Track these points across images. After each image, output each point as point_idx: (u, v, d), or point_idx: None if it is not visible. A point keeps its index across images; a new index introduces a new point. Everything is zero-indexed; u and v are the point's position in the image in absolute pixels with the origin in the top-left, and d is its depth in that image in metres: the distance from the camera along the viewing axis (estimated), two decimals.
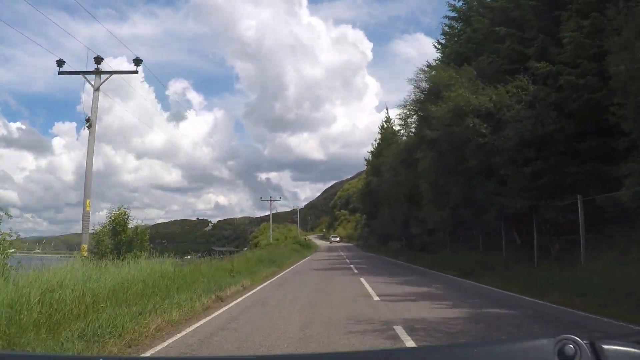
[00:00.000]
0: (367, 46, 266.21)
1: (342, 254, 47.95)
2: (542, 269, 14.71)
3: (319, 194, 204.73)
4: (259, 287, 15.22)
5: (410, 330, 7.35)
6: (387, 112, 58.55)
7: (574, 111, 15.26)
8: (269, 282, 17.32)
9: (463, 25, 25.15)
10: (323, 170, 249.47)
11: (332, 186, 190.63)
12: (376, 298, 11.81)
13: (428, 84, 22.35)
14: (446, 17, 26.92)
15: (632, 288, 9.17)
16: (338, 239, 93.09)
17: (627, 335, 1.33)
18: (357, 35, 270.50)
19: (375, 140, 62.61)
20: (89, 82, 16.68)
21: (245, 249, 69.54)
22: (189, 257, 21.09)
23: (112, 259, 11.68)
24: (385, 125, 60.47)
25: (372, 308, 10.19)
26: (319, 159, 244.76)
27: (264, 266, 21.10)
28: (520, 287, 12.69)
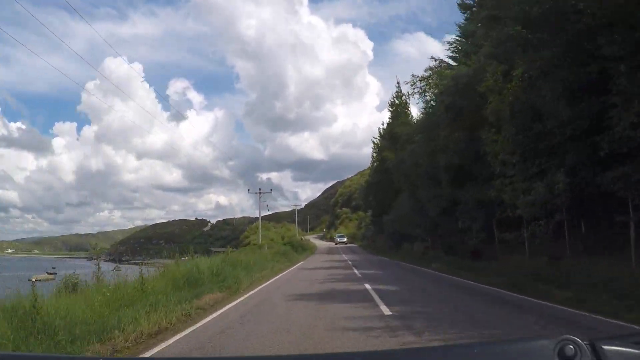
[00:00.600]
0: (367, 45, 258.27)
1: (345, 257, 36.58)
2: None
3: (319, 194, 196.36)
4: None
5: None
6: (399, 87, 47.88)
7: None
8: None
9: None
10: (324, 170, 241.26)
11: (332, 186, 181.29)
12: None
13: None
14: None
15: None
16: (345, 239, 75.60)
17: (627, 335, 1.30)
18: (357, 35, 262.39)
19: (382, 125, 51.38)
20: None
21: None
22: (186, 257, 17.98)
23: None
24: (397, 102, 49.17)
25: None
26: (319, 159, 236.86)
27: (188, 292, 9.74)
28: None
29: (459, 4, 26.30)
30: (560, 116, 11.57)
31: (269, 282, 16.58)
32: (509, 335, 6.53)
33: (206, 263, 13.31)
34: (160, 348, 6.11)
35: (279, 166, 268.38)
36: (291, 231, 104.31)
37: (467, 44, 24.78)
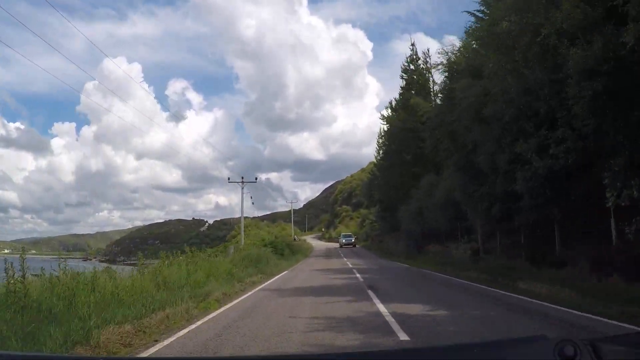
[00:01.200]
0: (367, 46, 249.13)
1: (349, 264, 25.79)
2: None
3: (319, 194, 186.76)
4: None
5: None
6: (414, 48, 37.40)
7: None
8: None
9: None
10: (323, 170, 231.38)
11: (332, 186, 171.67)
12: None
13: None
14: None
15: None
16: (353, 239, 58.34)
17: (626, 335, 1.37)
18: (357, 35, 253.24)
19: (393, 101, 40.61)
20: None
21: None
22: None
23: None
24: (412, 67, 38.44)
25: None
26: (319, 159, 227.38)
27: None
28: None
29: None
30: None
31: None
32: None
33: None
34: None
35: (278, 166, 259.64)
36: (286, 230, 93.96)
37: None
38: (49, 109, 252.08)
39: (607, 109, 9.18)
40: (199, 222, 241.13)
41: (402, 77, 38.70)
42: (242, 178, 42.95)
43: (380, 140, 48.90)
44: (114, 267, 13.42)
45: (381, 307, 8.84)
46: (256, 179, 42.98)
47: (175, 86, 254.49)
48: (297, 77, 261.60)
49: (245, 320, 7.87)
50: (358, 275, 17.53)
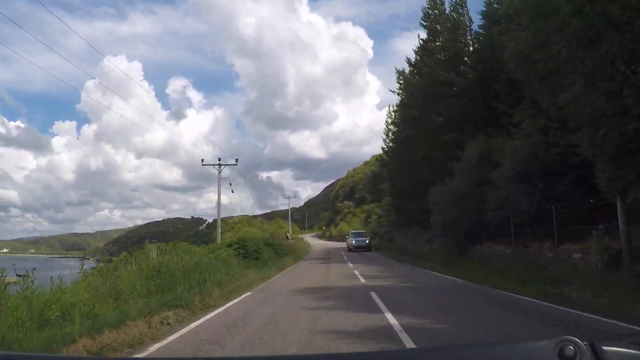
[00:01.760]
0: (367, 43, 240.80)
1: (355, 272, 16.26)
2: None
3: (319, 192, 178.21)
4: None
5: None
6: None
7: None
8: None
9: None
10: (324, 168, 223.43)
11: (333, 183, 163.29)
12: None
13: None
14: None
15: None
16: (367, 240, 41.12)
17: (626, 336, 1.31)
18: (357, 33, 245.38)
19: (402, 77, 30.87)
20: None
21: None
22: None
23: None
24: (436, 12, 28.83)
25: None
26: (320, 158, 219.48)
27: None
28: None
29: None
30: None
31: None
32: None
33: None
34: None
35: (279, 165, 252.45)
36: (284, 228, 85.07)
37: None
38: (49, 108, 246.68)
39: None
40: (198, 221, 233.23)
41: (422, 25, 29.09)
42: (219, 160, 33.50)
43: (393, 115, 39.40)
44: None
45: None
46: (236, 160, 33.51)
47: (176, 84, 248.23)
48: (297, 75, 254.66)
49: None
50: (386, 311, 7.96)
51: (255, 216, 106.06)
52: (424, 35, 29.03)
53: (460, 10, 25.71)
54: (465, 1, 25.63)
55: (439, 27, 28.51)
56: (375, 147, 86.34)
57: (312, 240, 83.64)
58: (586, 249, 10.74)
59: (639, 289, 8.40)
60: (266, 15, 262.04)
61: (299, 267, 21.92)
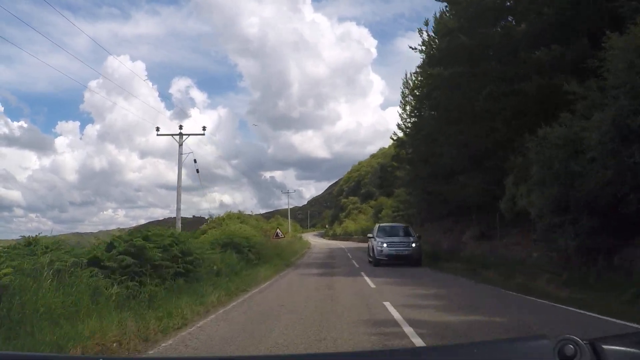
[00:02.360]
0: (371, 43, 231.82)
1: (393, 317, 6.27)
2: None
3: (322, 192, 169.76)
4: None
5: None
6: None
7: None
8: None
9: None
10: (328, 168, 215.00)
11: (336, 182, 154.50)
12: None
13: None
14: None
15: None
16: (415, 243, 19.42)
17: (627, 335, 1.25)
18: (361, 33, 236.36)
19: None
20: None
21: None
22: None
23: None
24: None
25: None
26: (323, 157, 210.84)
27: None
28: None
29: None
30: None
31: None
32: None
33: None
34: None
35: (282, 165, 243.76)
36: (283, 226, 75.39)
37: None
38: (53, 108, 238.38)
39: None
40: (199, 220, 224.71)
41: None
42: (181, 128, 24.02)
43: (414, 80, 29.97)
44: None
45: None
46: (204, 128, 23.98)
47: (179, 84, 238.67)
48: (300, 75, 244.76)
49: None
50: None
51: (251, 214, 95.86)
52: None
53: None
54: None
55: None
56: (379, 146, 79.15)
57: (314, 240, 74.08)
58: None
59: None
60: (270, 15, 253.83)
61: (274, 287, 12.32)
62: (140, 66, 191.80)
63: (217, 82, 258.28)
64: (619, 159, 7.77)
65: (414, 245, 19.14)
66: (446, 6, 19.61)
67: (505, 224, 15.12)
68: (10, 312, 4.53)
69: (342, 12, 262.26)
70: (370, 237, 21.78)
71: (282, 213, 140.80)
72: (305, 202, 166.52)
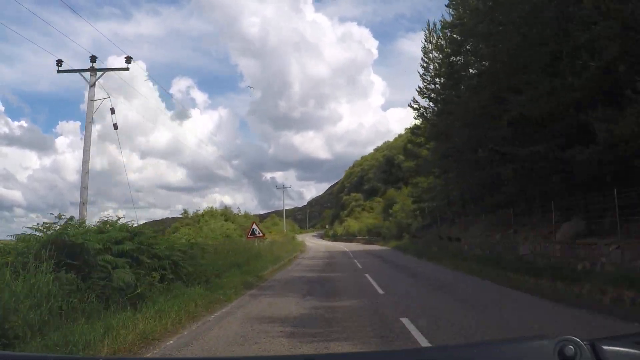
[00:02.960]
0: (372, 44, 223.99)
1: None
2: None
3: (323, 192, 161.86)
4: None
5: None
6: None
7: None
8: None
9: None
10: (329, 169, 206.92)
11: (337, 183, 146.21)
12: None
13: None
14: None
15: None
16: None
17: (627, 335, 1.22)
18: (362, 33, 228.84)
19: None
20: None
21: None
22: None
23: None
24: None
25: None
26: (324, 158, 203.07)
27: None
28: None
29: None
30: None
31: None
32: None
33: None
34: None
35: (283, 165, 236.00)
36: (279, 226, 67.10)
37: None
38: (53, 108, 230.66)
39: None
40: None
41: None
42: (93, 61, 14.97)
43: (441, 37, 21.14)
44: None
45: None
46: (129, 60, 14.88)
47: (180, 84, 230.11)
48: (302, 76, 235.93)
49: None
50: None
51: (239, 212, 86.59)
52: None
53: None
54: None
55: None
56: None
57: (312, 241, 64.95)
58: None
59: None
60: (271, 15, 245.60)
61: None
62: (141, 66, 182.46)
63: (218, 82, 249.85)
64: None
65: None
66: None
67: None
68: None
69: (343, 12, 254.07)
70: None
71: (281, 214, 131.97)
72: (306, 203, 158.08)
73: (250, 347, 5.09)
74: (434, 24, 25.85)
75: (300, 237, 74.71)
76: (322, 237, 79.94)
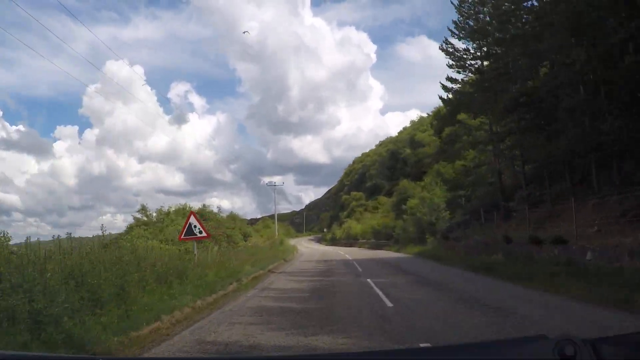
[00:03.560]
0: (371, 48, 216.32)
1: None
2: None
3: (321, 196, 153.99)
4: None
5: None
6: None
7: None
8: None
9: None
10: (327, 173, 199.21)
11: (336, 184, 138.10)
12: None
13: None
14: None
15: None
16: None
17: (626, 335, 1.23)
18: (361, 37, 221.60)
19: None
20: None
21: None
22: None
23: None
24: None
25: None
26: (322, 162, 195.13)
27: None
28: None
29: None
30: None
31: None
32: None
33: None
34: None
35: (282, 169, 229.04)
36: (270, 229, 58.35)
37: None
38: (51, 112, 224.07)
39: None
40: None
41: None
42: None
43: None
44: None
45: None
46: None
47: (178, 89, 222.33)
48: (300, 80, 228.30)
49: None
50: None
51: (219, 212, 78.17)
52: None
53: None
54: None
55: None
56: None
57: (307, 245, 56.09)
58: None
59: None
60: (269, 19, 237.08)
61: None
62: (139, 71, 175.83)
63: (217, 87, 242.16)
64: None
65: None
66: None
67: None
68: None
69: (342, 16, 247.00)
70: None
71: (278, 217, 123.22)
72: (303, 207, 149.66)
73: None
74: None
75: (294, 241, 65.54)
76: (319, 241, 70.95)
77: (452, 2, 18.23)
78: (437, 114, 64.70)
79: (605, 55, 9.75)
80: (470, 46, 17.78)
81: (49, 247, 6.58)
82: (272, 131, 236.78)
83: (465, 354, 1.18)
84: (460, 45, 18.47)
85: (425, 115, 66.77)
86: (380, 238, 32.86)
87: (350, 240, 50.77)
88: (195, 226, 11.44)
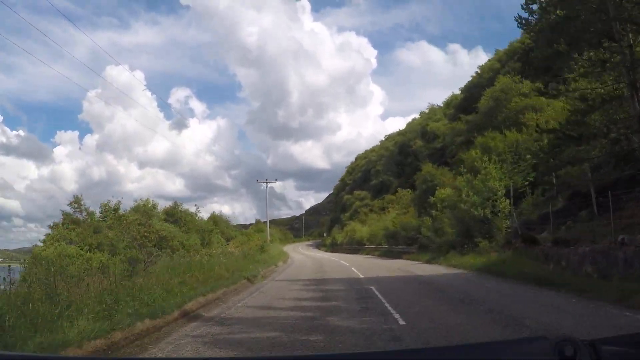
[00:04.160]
0: (371, 53, 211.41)
1: None
2: None
3: (322, 201, 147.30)
4: None
5: None
6: None
7: None
8: None
9: None
10: (327, 179, 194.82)
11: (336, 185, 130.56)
12: None
13: None
14: None
15: None
16: None
17: (626, 336, 1.20)
18: (361, 43, 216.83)
19: None
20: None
21: None
22: None
23: None
24: None
25: None
26: (323, 168, 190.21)
27: None
28: None
29: None
30: None
31: None
32: None
33: None
34: None
35: (282, 175, 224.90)
36: (263, 233, 49.59)
37: None
38: (52, 117, 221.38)
39: None
40: None
41: None
42: None
43: None
44: None
45: None
46: None
47: (178, 94, 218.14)
48: (300, 85, 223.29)
49: None
50: None
51: (196, 214, 69.60)
52: None
53: None
54: None
55: None
56: None
57: (303, 252, 47.42)
58: None
59: None
60: (269, 24, 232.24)
61: None
62: (139, 76, 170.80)
63: (217, 92, 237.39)
64: None
65: None
66: None
67: None
68: None
69: (342, 21, 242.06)
70: None
71: (280, 222, 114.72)
72: (303, 211, 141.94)
73: None
74: None
75: (290, 247, 56.98)
76: (318, 246, 62.12)
77: None
78: (450, 102, 55.85)
79: None
80: None
81: None
82: (272, 136, 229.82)
83: (466, 354, 1.14)
84: None
85: (436, 106, 58.95)
86: (398, 243, 24.17)
87: (353, 246, 42.19)
88: None
